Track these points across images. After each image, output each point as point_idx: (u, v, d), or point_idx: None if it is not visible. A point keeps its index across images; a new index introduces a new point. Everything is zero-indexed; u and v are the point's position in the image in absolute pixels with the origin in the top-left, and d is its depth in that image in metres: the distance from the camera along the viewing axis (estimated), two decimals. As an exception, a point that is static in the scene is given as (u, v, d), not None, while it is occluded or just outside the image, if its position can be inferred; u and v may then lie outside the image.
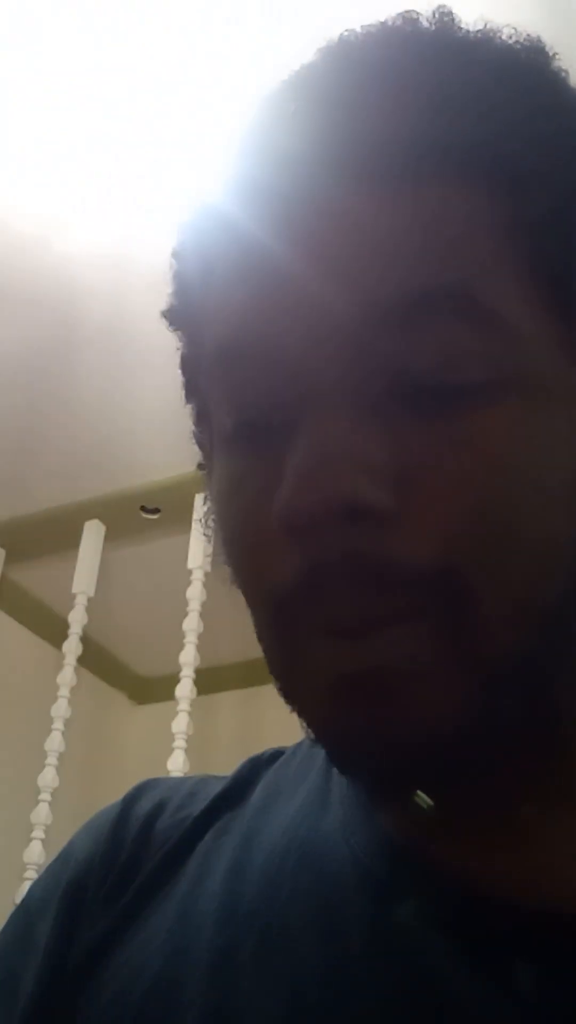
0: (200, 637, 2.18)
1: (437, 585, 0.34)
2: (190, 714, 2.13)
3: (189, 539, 2.21)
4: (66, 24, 1.57)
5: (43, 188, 1.82)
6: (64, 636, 2.36)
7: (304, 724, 0.38)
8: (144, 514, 2.46)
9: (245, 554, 0.38)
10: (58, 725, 2.21)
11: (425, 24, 0.40)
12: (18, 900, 0.60)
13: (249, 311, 0.37)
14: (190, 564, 2.22)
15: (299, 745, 0.50)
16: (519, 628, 0.35)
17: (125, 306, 1.99)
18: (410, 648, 0.34)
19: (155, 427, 2.05)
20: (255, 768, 0.50)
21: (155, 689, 2.96)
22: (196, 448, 0.46)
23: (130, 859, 0.46)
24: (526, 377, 0.35)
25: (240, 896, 0.42)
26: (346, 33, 0.40)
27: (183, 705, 2.14)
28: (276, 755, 0.51)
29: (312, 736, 0.37)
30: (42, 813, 2.10)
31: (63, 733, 2.20)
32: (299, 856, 0.42)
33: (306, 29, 0.40)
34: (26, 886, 1.91)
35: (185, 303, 0.43)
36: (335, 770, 0.44)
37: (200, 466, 0.46)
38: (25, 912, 0.49)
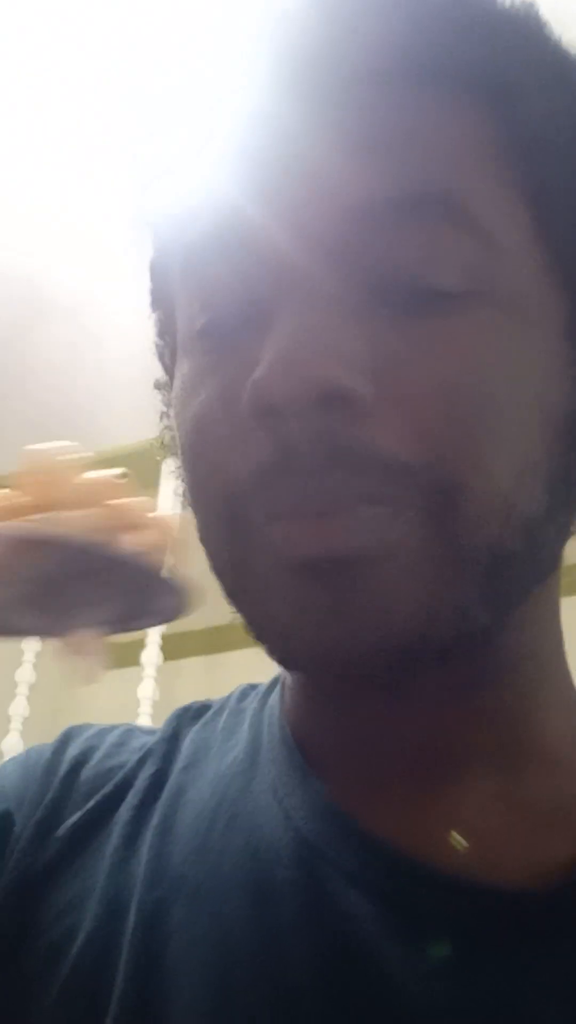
0: (166, 603, 2.18)
1: (419, 475, 0.33)
2: (156, 680, 2.14)
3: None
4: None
5: (13, 161, 1.79)
6: (29, 601, 2.34)
7: (250, 619, 0.36)
8: (110, 479, 2.44)
9: (207, 443, 0.37)
10: (23, 690, 2.21)
11: None
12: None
13: (233, 205, 0.36)
14: (156, 530, 2.21)
15: (227, 699, 0.49)
16: (503, 526, 0.34)
17: (92, 275, 1.97)
18: (388, 532, 0.33)
19: (120, 394, 2.04)
20: (180, 723, 0.49)
21: (121, 655, 2.96)
22: (157, 362, 0.45)
23: (56, 803, 0.45)
24: (505, 292, 0.35)
25: (168, 857, 0.40)
26: None
27: (149, 671, 2.14)
28: (203, 709, 0.50)
29: (257, 632, 0.36)
30: (7, 778, 2.10)
31: (28, 698, 2.20)
32: (229, 816, 0.41)
33: None
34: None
35: (167, 201, 0.42)
36: (264, 728, 0.45)
37: (157, 385, 0.45)
38: None
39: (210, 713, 0.49)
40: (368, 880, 0.37)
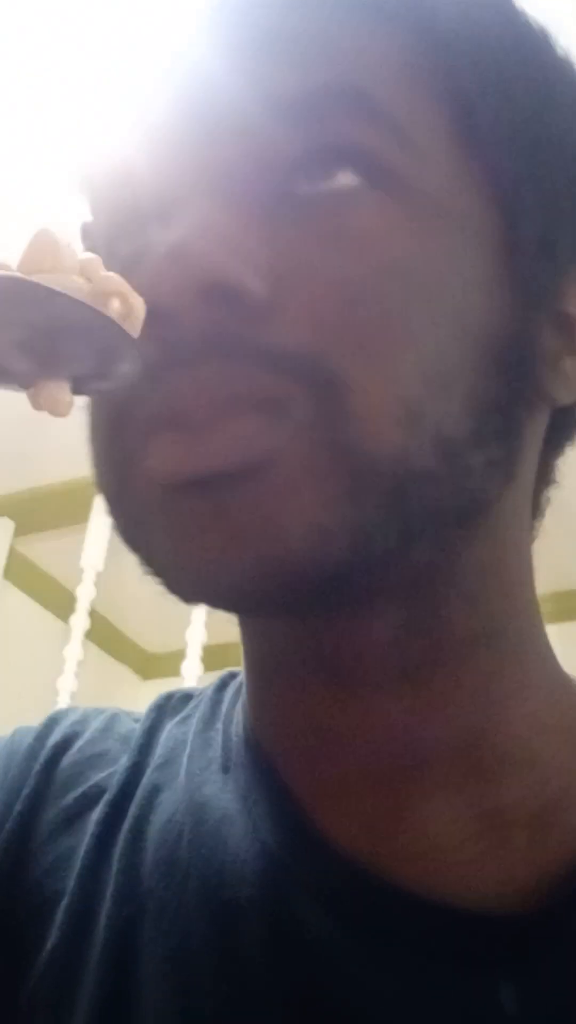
0: (208, 614, 2.18)
1: (307, 371, 0.31)
2: (196, 690, 2.13)
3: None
4: None
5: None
6: (72, 610, 2.36)
7: (139, 553, 0.34)
8: (154, 490, 2.45)
9: None
10: (64, 699, 2.21)
11: None
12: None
13: (140, 125, 0.35)
14: (199, 541, 2.21)
15: (206, 690, 0.46)
16: (406, 435, 0.31)
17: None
18: (272, 440, 0.30)
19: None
20: (160, 714, 0.45)
21: (161, 665, 2.97)
22: None
23: (35, 793, 0.42)
24: (418, 190, 0.33)
25: (137, 868, 0.38)
26: None
27: (189, 682, 2.14)
28: (186, 698, 0.46)
29: (147, 563, 0.34)
30: (47, 785, 2.11)
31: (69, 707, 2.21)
32: (197, 823, 0.38)
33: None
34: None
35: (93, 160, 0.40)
36: (232, 727, 0.42)
37: None
38: None
39: (192, 703, 0.46)
40: (335, 900, 0.35)
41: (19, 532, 2.65)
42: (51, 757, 0.44)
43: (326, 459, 0.30)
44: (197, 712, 0.44)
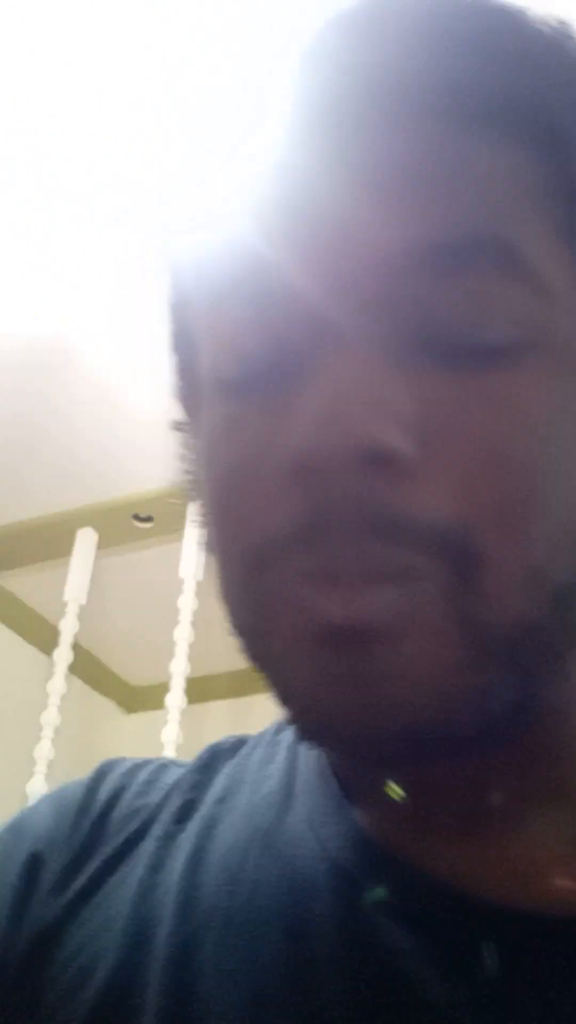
0: (191, 646, 2.18)
1: (450, 544, 0.31)
2: (180, 723, 2.12)
3: (181, 548, 2.20)
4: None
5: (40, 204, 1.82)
6: (55, 644, 2.35)
7: (272, 684, 0.35)
8: (137, 522, 2.45)
9: (236, 496, 0.35)
10: (48, 733, 2.20)
11: None
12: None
13: (259, 250, 0.34)
14: (182, 573, 2.22)
15: (262, 735, 0.48)
16: (528, 600, 0.32)
17: (121, 317, 2.00)
18: (407, 607, 0.31)
19: (149, 436, 2.05)
20: (215, 756, 0.48)
21: (145, 698, 2.96)
22: (176, 404, 0.44)
23: (85, 845, 0.44)
24: (556, 340, 0.34)
25: (200, 888, 0.39)
26: None
27: (173, 714, 2.13)
28: (239, 744, 0.49)
29: (280, 698, 0.35)
30: (30, 821, 2.08)
31: (53, 741, 2.19)
32: (263, 847, 0.40)
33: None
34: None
35: (190, 241, 0.40)
36: (300, 760, 0.43)
37: (178, 426, 0.43)
38: None
39: (246, 747, 0.48)
40: (409, 911, 0.36)
41: (1, 566, 2.64)
42: (103, 812, 0.45)
43: (455, 631, 0.31)
44: (255, 753, 0.46)
